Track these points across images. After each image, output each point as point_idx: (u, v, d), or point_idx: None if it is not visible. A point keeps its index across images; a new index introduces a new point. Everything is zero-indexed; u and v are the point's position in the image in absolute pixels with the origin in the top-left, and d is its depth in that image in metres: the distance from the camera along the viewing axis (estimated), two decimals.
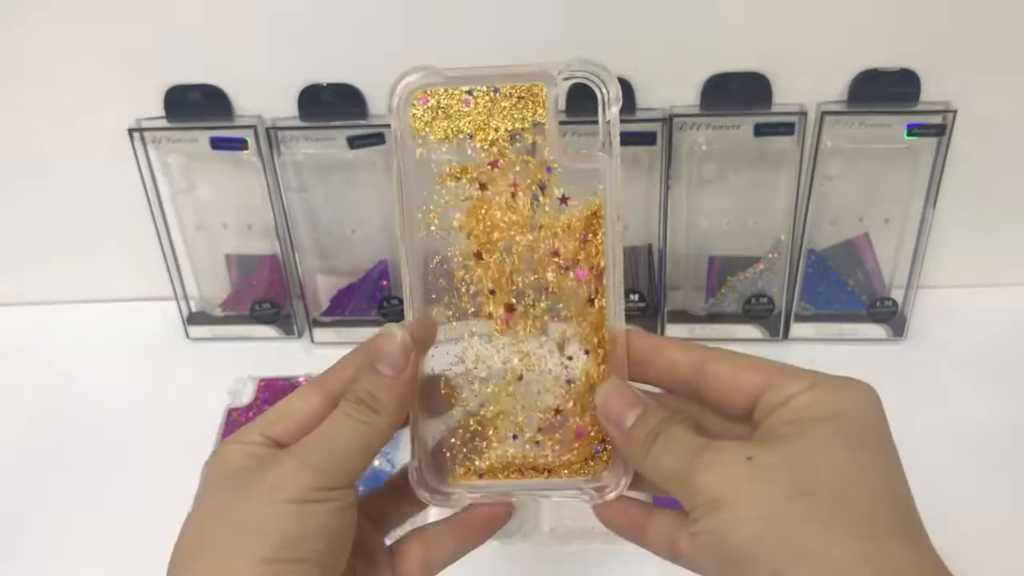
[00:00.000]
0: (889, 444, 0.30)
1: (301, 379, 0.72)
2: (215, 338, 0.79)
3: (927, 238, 0.72)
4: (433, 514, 0.38)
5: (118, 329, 0.81)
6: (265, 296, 0.78)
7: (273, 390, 0.71)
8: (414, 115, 0.34)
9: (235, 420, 0.69)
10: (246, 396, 0.71)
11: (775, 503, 0.28)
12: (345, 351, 0.80)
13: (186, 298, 0.79)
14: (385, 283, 0.78)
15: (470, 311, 0.36)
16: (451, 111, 0.34)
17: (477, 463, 0.36)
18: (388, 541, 0.37)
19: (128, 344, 0.80)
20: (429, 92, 0.34)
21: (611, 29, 0.67)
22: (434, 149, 0.35)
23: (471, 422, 0.36)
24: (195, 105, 0.71)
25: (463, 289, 0.35)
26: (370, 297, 0.78)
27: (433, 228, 0.35)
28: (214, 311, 0.80)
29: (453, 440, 0.36)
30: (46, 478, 0.68)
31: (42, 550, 0.62)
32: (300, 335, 0.79)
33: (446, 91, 0.34)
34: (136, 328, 0.81)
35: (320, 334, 0.78)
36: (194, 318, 0.79)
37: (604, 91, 0.34)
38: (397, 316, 0.76)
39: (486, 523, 0.36)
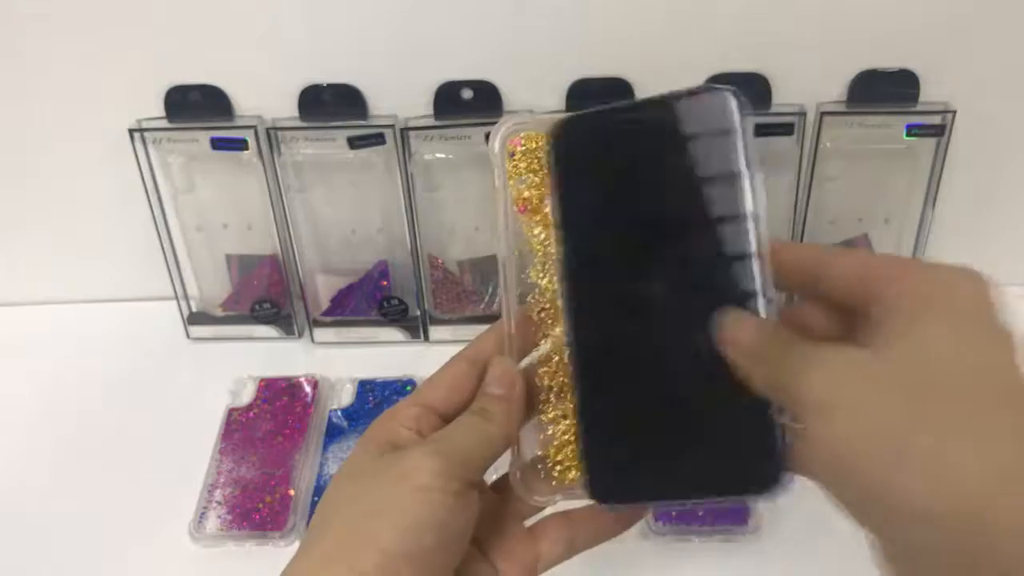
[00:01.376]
0: (1000, 335, 0.28)
1: (302, 379, 0.72)
2: (215, 338, 0.79)
3: (926, 238, 0.72)
4: None
5: (118, 329, 0.81)
6: (265, 296, 0.78)
7: (273, 390, 0.72)
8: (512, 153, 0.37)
9: (235, 420, 0.69)
10: (246, 396, 0.71)
11: (884, 407, 0.27)
12: (345, 351, 0.80)
13: (186, 298, 0.79)
14: (385, 283, 0.78)
15: None
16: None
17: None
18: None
19: (128, 344, 0.80)
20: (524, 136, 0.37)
21: (611, 29, 0.67)
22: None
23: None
24: (195, 105, 0.71)
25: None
26: (370, 297, 0.78)
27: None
28: (214, 311, 0.80)
29: (555, 444, 0.37)
30: (46, 478, 0.68)
31: (42, 550, 0.62)
32: (300, 335, 0.79)
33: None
34: (136, 328, 0.81)
35: (320, 334, 0.78)
36: (194, 318, 0.80)
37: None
38: (397, 316, 0.76)
39: (631, 513, 0.38)
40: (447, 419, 0.37)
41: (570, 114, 0.36)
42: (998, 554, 0.25)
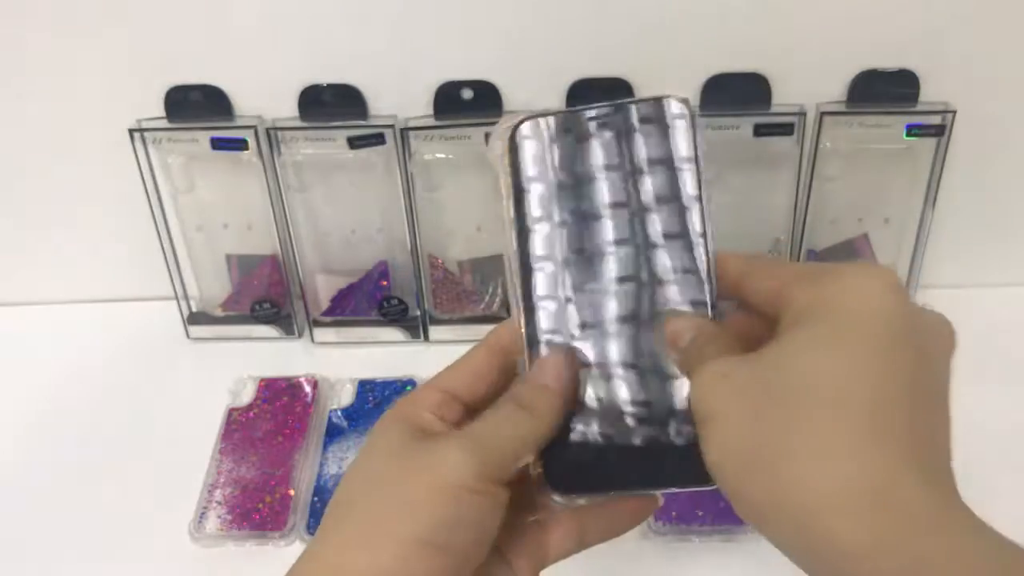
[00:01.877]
0: (879, 343, 0.28)
1: (302, 379, 0.72)
2: (215, 338, 0.79)
3: (926, 238, 0.72)
4: None
5: (118, 329, 0.81)
6: (265, 296, 0.78)
7: (273, 390, 0.72)
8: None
9: (235, 420, 0.69)
10: (246, 396, 0.71)
11: (742, 417, 0.29)
12: (345, 351, 0.80)
13: (186, 298, 0.79)
14: (385, 283, 0.78)
15: None
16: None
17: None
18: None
19: (128, 344, 0.80)
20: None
21: (611, 29, 0.67)
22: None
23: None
24: (195, 105, 0.71)
25: None
26: (370, 297, 0.78)
27: None
28: (214, 311, 0.80)
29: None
30: (46, 478, 0.68)
31: (42, 550, 0.62)
32: (300, 335, 0.79)
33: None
34: (136, 328, 0.81)
35: (320, 334, 0.78)
36: (194, 318, 0.80)
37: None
38: (397, 316, 0.76)
39: (639, 510, 0.37)
40: (469, 407, 0.36)
41: (528, 114, 0.37)
42: (833, 568, 0.26)
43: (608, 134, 0.36)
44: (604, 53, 0.68)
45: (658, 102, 0.36)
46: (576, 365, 0.35)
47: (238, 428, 0.69)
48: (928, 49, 0.66)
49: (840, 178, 0.71)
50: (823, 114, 0.67)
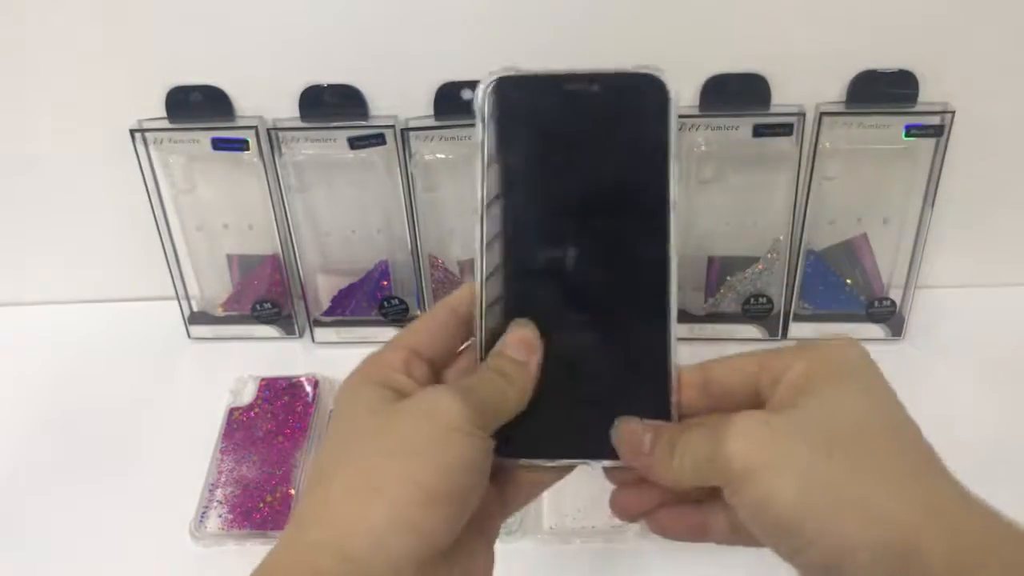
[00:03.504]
0: (889, 389, 0.32)
1: (302, 379, 0.72)
2: (216, 338, 0.80)
3: (925, 238, 0.72)
4: None
5: (118, 329, 0.81)
6: (266, 296, 0.78)
7: (274, 390, 0.72)
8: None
9: (236, 420, 0.69)
10: (247, 396, 0.71)
11: (803, 460, 0.29)
12: (346, 351, 0.80)
13: (187, 298, 0.80)
14: (386, 283, 0.78)
15: None
16: None
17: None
18: None
19: (128, 344, 0.80)
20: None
21: (610, 29, 0.67)
22: None
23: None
24: (196, 106, 0.71)
25: None
26: (371, 297, 0.78)
27: None
28: (215, 311, 0.80)
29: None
30: (47, 478, 0.68)
31: (43, 550, 0.62)
32: (301, 335, 0.79)
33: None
34: (136, 328, 0.81)
35: (321, 334, 0.78)
36: (195, 318, 0.80)
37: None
38: (398, 316, 0.77)
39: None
40: (434, 365, 0.36)
41: (507, 73, 0.36)
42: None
43: (585, 105, 0.36)
44: (604, 53, 0.68)
45: (639, 78, 0.35)
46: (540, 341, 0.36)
47: (239, 428, 0.69)
48: (928, 49, 0.67)
49: (839, 178, 0.71)
50: (822, 114, 0.67)
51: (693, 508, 0.36)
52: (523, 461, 0.36)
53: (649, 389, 0.36)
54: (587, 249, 0.36)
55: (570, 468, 0.37)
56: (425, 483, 0.30)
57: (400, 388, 0.34)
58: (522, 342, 0.35)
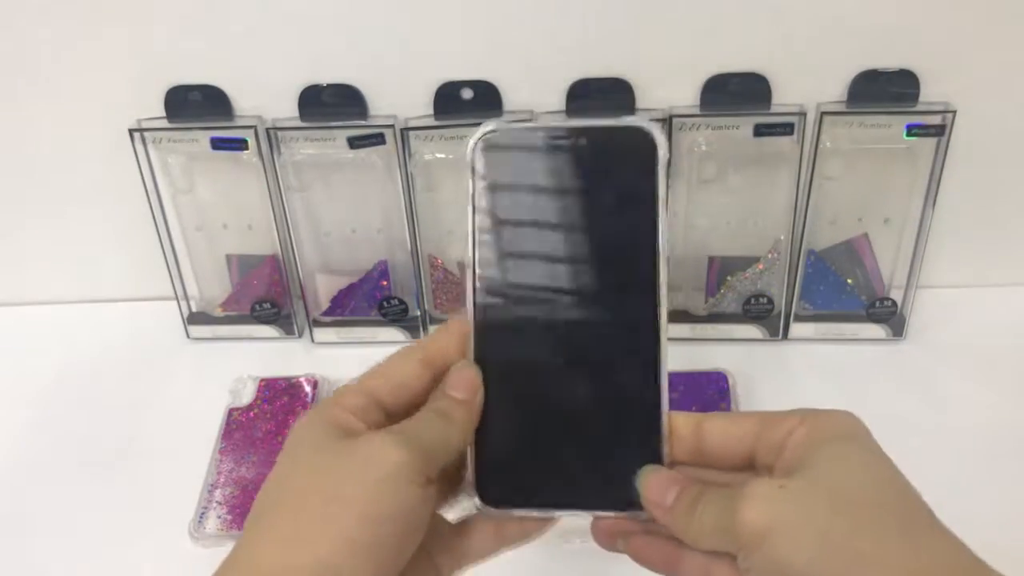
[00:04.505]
0: (885, 453, 0.33)
1: (302, 379, 0.72)
2: (215, 338, 0.79)
3: (926, 238, 0.72)
4: None
5: (118, 329, 0.81)
6: (265, 296, 0.78)
7: (274, 390, 0.72)
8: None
9: (235, 420, 0.69)
10: (246, 396, 0.71)
11: (820, 522, 0.30)
12: (345, 351, 0.80)
13: (186, 298, 0.79)
14: (385, 283, 0.78)
15: None
16: None
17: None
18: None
19: (128, 344, 0.80)
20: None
21: (611, 29, 0.67)
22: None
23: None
24: (195, 105, 0.71)
25: None
26: (370, 297, 0.78)
27: None
28: (214, 311, 0.80)
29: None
30: (46, 478, 0.68)
31: (42, 550, 0.62)
32: (300, 335, 0.79)
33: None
34: (136, 328, 0.81)
35: (320, 334, 0.78)
36: (194, 318, 0.80)
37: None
38: (397, 316, 0.77)
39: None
40: (391, 417, 0.36)
41: (494, 126, 0.36)
42: None
43: (575, 159, 0.36)
44: (604, 53, 0.68)
45: (628, 131, 0.35)
46: (479, 382, 0.36)
47: (238, 428, 0.69)
48: (928, 49, 0.66)
49: (840, 178, 0.71)
50: (823, 114, 0.67)
51: (670, 541, 0.36)
52: (515, 512, 0.36)
53: (642, 439, 0.35)
54: (579, 299, 0.36)
55: (554, 520, 0.37)
56: (353, 534, 0.31)
57: (350, 428, 0.34)
58: (463, 380, 0.36)
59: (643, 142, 0.35)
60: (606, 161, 0.35)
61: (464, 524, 0.37)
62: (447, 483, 0.37)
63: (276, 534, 0.32)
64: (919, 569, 0.29)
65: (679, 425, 0.36)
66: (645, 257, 0.35)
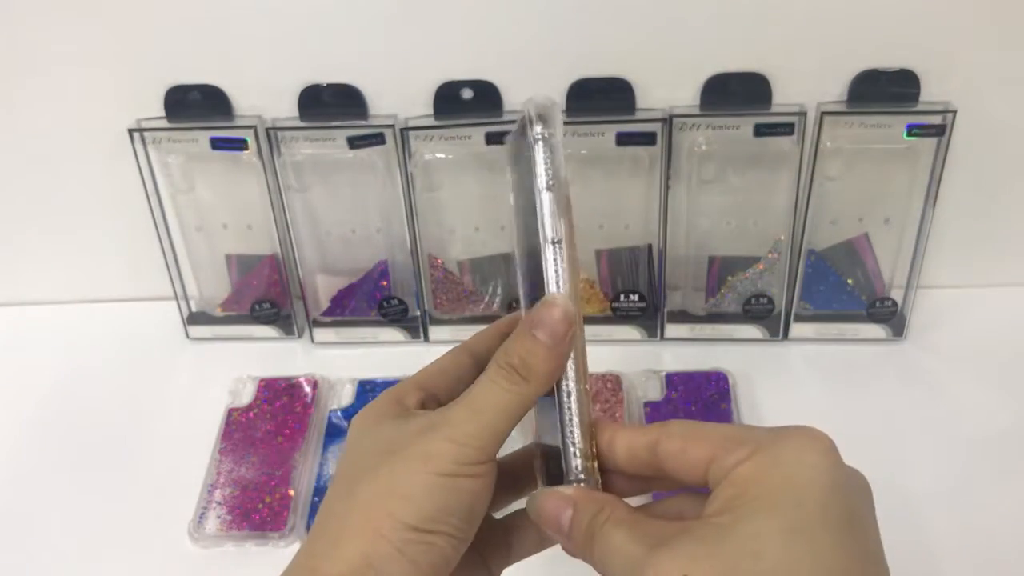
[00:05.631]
0: (832, 518, 0.28)
1: (302, 379, 0.72)
2: (215, 338, 0.79)
3: (927, 238, 0.72)
4: None
5: (118, 329, 0.81)
6: (265, 296, 0.78)
7: (273, 390, 0.71)
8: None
9: (235, 420, 0.69)
10: (246, 396, 0.71)
11: None
12: (345, 351, 0.80)
13: (186, 298, 0.79)
14: (385, 283, 0.78)
15: None
16: None
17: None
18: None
19: (128, 344, 0.80)
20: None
21: (611, 29, 0.67)
22: None
23: None
24: (195, 105, 0.71)
25: None
26: (370, 297, 0.77)
27: None
28: (214, 311, 0.80)
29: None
30: (46, 478, 0.68)
31: (42, 550, 0.62)
32: (300, 335, 0.79)
33: None
34: (136, 328, 0.81)
35: (320, 334, 0.78)
36: (194, 318, 0.80)
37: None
38: (397, 316, 0.76)
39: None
40: (439, 402, 0.36)
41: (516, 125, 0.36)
42: None
43: (520, 151, 0.36)
44: (604, 53, 0.68)
45: (521, 124, 0.34)
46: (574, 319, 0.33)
47: (238, 428, 0.69)
48: (928, 49, 0.66)
49: (840, 178, 0.71)
50: (823, 114, 0.67)
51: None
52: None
53: (560, 449, 0.34)
54: (522, 290, 0.36)
55: None
56: (415, 526, 0.31)
57: (402, 409, 0.35)
58: (558, 319, 0.33)
59: (525, 126, 0.34)
60: (520, 150, 0.35)
61: (511, 521, 0.38)
62: (509, 482, 0.37)
63: (353, 530, 0.32)
64: None
65: (634, 437, 0.33)
66: (538, 248, 0.34)
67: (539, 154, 0.33)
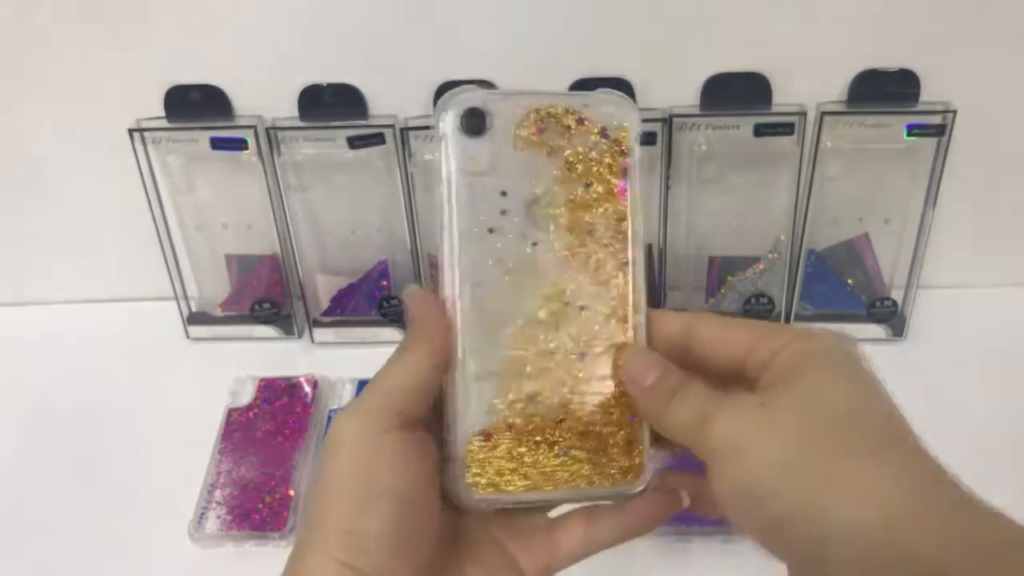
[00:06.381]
0: (874, 376, 0.32)
1: (302, 379, 0.72)
2: (215, 338, 0.79)
3: (927, 238, 0.72)
4: None
5: (118, 329, 0.81)
6: (265, 296, 0.78)
7: (273, 390, 0.71)
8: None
9: (235, 420, 0.69)
10: (246, 396, 0.71)
11: (791, 445, 0.30)
12: (345, 351, 0.80)
13: (186, 298, 0.79)
14: (385, 283, 0.78)
15: None
16: None
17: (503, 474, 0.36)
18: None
19: (128, 344, 0.80)
20: None
21: (611, 29, 0.67)
22: None
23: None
24: (195, 105, 0.71)
25: None
26: (370, 297, 0.78)
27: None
28: (214, 311, 0.80)
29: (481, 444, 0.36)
30: (46, 478, 0.68)
31: (42, 550, 0.62)
32: (300, 335, 0.79)
33: None
34: (136, 328, 0.81)
35: (320, 334, 0.78)
36: (194, 318, 0.80)
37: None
38: (397, 316, 0.76)
39: (651, 514, 0.37)
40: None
41: None
42: (906, 559, 0.27)
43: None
44: (604, 53, 0.68)
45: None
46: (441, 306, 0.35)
47: (238, 428, 0.69)
48: (928, 49, 0.66)
49: (840, 178, 0.71)
50: (823, 114, 0.67)
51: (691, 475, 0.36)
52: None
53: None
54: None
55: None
56: (344, 527, 0.31)
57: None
58: (413, 303, 0.35)
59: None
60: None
61: (552, 525, 0.37)
62: None
63: (305, 536, 0.33)
64: (886, 494, 0.28)
65: (667, 322, 0.36)
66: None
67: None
